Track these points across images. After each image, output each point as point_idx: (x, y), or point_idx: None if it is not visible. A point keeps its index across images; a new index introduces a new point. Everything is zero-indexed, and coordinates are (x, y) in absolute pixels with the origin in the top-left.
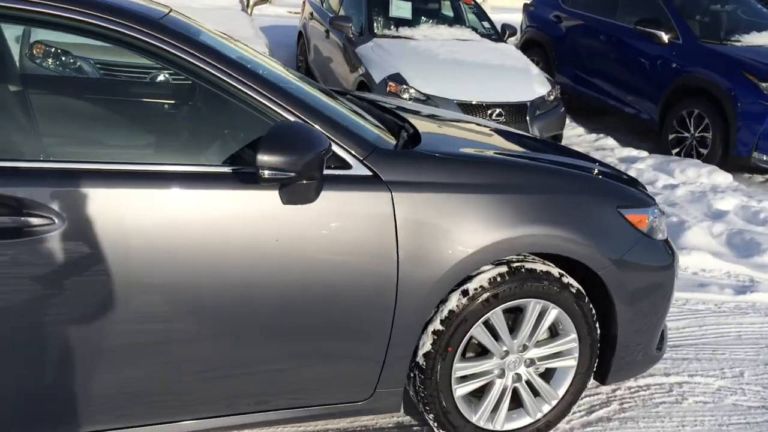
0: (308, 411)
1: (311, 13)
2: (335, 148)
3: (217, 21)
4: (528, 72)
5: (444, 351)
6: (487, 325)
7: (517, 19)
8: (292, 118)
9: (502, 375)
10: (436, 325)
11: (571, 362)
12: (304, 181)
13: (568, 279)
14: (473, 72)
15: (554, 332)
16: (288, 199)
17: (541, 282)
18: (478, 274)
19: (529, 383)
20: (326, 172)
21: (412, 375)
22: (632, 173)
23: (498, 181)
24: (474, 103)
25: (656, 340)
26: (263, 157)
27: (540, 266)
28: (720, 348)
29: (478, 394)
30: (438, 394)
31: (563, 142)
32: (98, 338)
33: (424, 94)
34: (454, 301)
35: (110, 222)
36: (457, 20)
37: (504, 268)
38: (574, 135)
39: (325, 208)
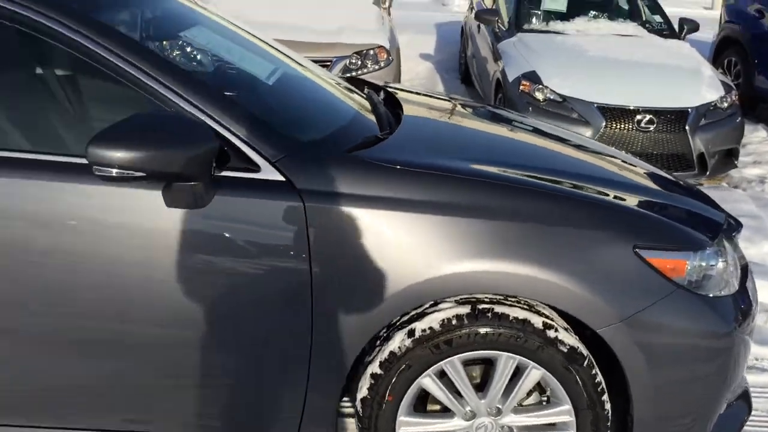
0: None
1: (471, 8)
2: (241, 146)
3: (345, 11)
4: (697, 73)
5: (382, 399)
6: (442, 376)
7: None
8: (186, 106)
9: None
10: (375, 367)
11: None
12: (190, 183)
13: (557, 333)
14: (624, 71)
15: (548, 398)
16: (171, 201)
17: (515, 332)
18: (433, 312)
19: None
20: (229, 173)
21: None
22: None
23: (466, 202)
24: (619, 106)
25: (708, 427)
26: (95, 151)
27: (517, 312)
28: None
29: None
30: None
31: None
32: None
33: (559, 95)
34: (397, 342)
35: None
36: (626, 13)
37: (465, 309)
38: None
39: (220, 216)
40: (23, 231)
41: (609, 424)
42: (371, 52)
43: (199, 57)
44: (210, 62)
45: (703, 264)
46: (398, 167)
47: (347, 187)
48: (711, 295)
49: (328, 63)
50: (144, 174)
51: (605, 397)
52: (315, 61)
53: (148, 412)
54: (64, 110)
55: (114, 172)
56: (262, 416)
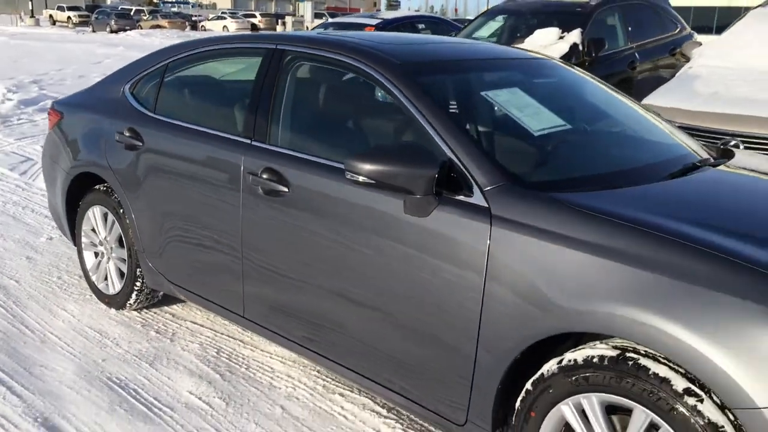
0: (405, 401)
1: None
2: (467, 174)
3: None
4: None
5: (528, 414)
6: (580, 410)
7: None
8: (436, 140)
9: None
10: (528, 384)
11: None
12: (417, 197)
13: (697, 403)
14: None
15: None
16: (405, 208)
17: (650, 387)
18: (585, 348)
19: None
20: (455, 196)
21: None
22: None
23: (630, 251)
24: None
25: None
26: (350, 162)
27: (661, 369)
28: None
29: None
30: None
31: None
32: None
33: None
34: (548, 366)
35: (307, 195)
36: None
37: (612, 353)
38: None
39: (428, 227)
40: (316, 210)
41: None
42: None
43: (487, 110)
44: (497, 115)
45: None
46: (580, 210)
47: (526, 219)
48: None
49: None
50: (375, 182)
51: None
52: None
53: (389, 371)
54: (359, 136)
55: (360, 178)
56: (441, 394)
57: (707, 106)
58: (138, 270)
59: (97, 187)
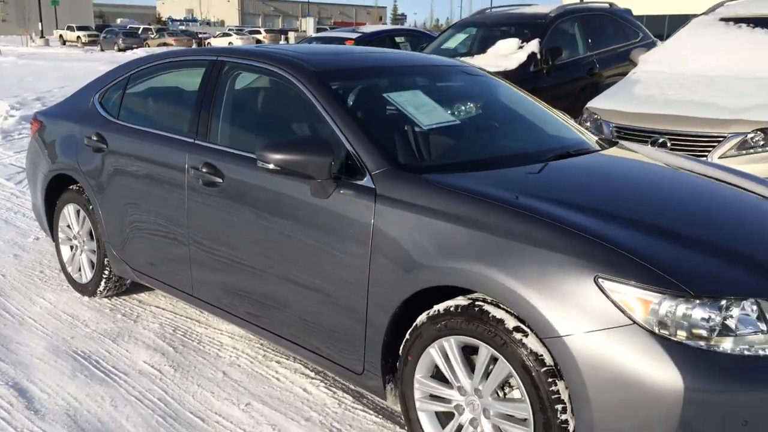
0: (310, 354)
1: None
2: (360, 161)
3: None
4: None
5: (407, 358)
6: (443, 351)
7: None
8: (337, 133)
9: (462, 412)
10: (407, 334)
11: None
12: (318, 180)
13: (523, 337)
14: None
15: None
16: (311, 191)
17: (489, 327)
18: (447, 300)
19: None
20: (350, 180)
21: None
22: None
23: (473, 217)
24: None
25: None
26: (260, 152)
27: (498, 312)
28: None
29: None
30: (403, 396)
31: None
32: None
33: None
34: (420, 317)
35: (236, 184)
36: None
37: (464, 302)
38: None
39: (328, 207)
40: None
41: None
42: None
43: (385, 108)
44: (393, 113)
45: (670, 306)
46: (442, 187)
47: (401, 196)
48: (674, 339)
49: (721, 138)
50: (282, 170)
51: (560, 407)
52: (703, 137)
53: (307, 335)
54: (280, 132)
55: (270, 166)
56: (348, 346)
57: (642, 107)
58: (105, 259)
59: (71, 187)
